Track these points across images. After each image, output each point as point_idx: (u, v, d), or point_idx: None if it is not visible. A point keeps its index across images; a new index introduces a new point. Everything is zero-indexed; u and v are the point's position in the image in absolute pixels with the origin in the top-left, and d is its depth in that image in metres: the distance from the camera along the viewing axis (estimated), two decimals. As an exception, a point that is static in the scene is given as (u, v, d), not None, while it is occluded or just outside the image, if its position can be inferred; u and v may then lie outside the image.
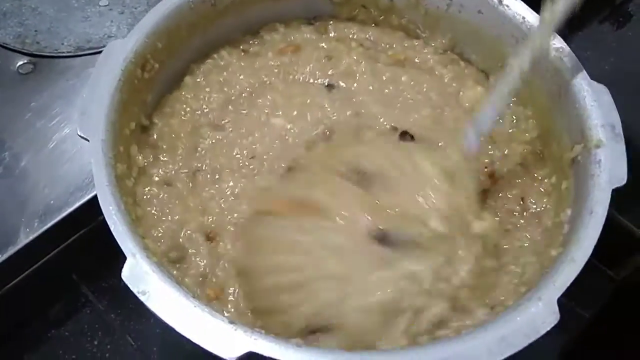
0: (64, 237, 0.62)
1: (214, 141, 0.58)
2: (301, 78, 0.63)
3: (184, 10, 0.58)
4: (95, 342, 0.62)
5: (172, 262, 0.51)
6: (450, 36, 0.65)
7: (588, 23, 0.82)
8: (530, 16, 0.58)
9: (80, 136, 0.49)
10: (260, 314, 0.49)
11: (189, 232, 0.52)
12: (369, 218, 0.48)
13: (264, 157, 0.57)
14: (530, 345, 0.41)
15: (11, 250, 0.57)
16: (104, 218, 0.45)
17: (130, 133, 0.54)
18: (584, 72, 0.54)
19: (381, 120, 0.60)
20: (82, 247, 0.63)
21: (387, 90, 0.62)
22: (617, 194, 0.48)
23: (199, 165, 0.57)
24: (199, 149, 0.58)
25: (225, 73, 0.62)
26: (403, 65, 0.65)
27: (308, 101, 0.61)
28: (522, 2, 0.59)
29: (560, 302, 0.42)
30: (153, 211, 0.53)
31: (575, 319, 0.64)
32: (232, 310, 0.49)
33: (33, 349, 0.62)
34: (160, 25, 0.56)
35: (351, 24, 0.67)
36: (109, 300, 0.64)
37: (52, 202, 0.60)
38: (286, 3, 0.65)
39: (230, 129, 0.59)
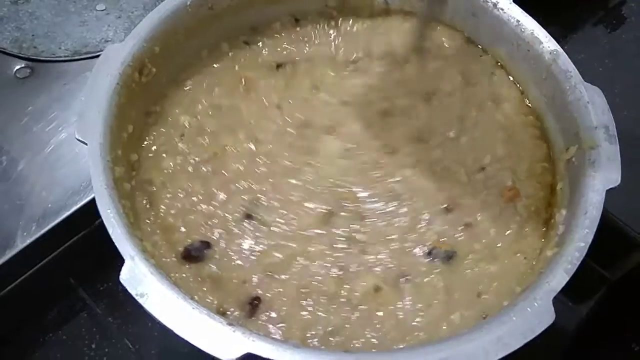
0: (61, 240, 0.62)
1: None
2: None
3: (181, 13, 0.58)
4: (93, 346, 0.62)
5: None
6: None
7: (582, 25, 0.82)
8: (525, 20, 0.59)
9: (78, 139, 0.49)
10: None
11: None
12: None
13: None
14: (527, 345, 0.41)
15: (8, 254, 0.57)
16: (101, 221, 0.45)
17: (128, 136, 0.54)
18: (578, 74, 0.55)
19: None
20: (80, 251, 0.63)
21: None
22: (611, 194, 0.48)
23: None
24: None
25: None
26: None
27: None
28: (517, 6, 0.59)
29: (557, 303, 0.43)
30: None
31: (572, 320, 0.65)
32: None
33: (30, 353, 0.62)
34: (158, 29, 0.57)
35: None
36: (107, 304, 0.64)
37: (49, 205, 0.60)
38: (282, 5, 0.65)
39: None
